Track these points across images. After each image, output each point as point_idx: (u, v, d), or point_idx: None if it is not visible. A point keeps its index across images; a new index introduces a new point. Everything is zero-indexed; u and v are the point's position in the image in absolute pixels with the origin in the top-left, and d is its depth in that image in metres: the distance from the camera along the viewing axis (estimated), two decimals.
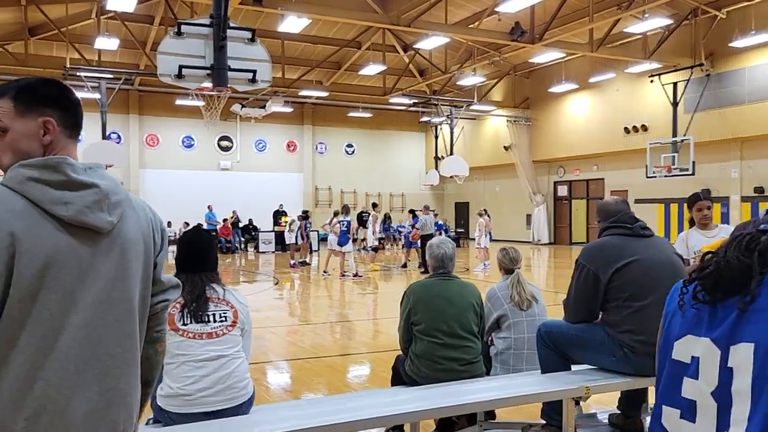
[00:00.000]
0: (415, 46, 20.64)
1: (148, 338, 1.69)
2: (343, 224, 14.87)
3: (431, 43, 18.46)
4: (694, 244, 4.72)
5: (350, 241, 15.03)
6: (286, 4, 15.32)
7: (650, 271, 3.09)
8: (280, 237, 23.51)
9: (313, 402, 3.51)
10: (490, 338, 4.18)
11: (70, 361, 1.42)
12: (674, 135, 19.44)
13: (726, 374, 1.20)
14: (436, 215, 18.41)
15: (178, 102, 23.48)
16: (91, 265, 1.47)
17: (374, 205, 19.77)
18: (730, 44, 17.85)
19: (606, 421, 3.76)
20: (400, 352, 4.04)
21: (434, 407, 2.95)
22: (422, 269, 16.22)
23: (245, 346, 3.00)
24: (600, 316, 3.22)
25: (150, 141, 26.63)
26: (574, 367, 3.37)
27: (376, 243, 18.69)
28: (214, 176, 27.56)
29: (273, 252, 23.19)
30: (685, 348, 1.29)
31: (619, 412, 3.60)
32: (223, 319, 2.90)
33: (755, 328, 1.17)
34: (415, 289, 3.88)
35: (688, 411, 1.26)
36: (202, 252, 2.99)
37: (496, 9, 16.00)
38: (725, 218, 20.04)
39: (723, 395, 1.20)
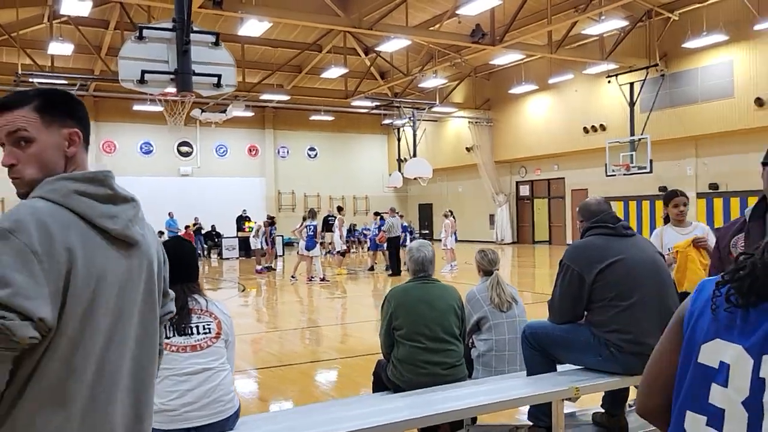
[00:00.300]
0: (377, 49, 20.67)
1: None
2: (309, 228, 14.76)
3: (392, 45, 18.50)
4: (669, 240, 4.79)
5: (317, 245, 14.94)
6: (246, 7, 15.15)
7: (634, 271, 3.12)
8: (244, 243, 23.23)
9: (300, 412, 3.44)
10: (470, 341, 4.17)
11: (114, 379, 1.43)
12: (632, 134, 19.89)
13: (758, 384, 1.15)
14: (401, 217, 18.43)
15: (136, 107, 22.99)
16: (129, 281, 1.47)
17: (339, 209, 19.67)
18: (683, 45, 18.35)
19: (588, 420, 3.78)
20: (381, 357, 4.00)
21: (426, 415, 2.92)
22: (389, 272, 16.24)
23: (230, 357, 2.93)
24: (585, 316, 3.24)
25: (107, 148, 26.02)
26: (559, 368, 3.38)
27: (344, 247, 18.59)
28: (175, 182, 27.08)
29: (237, 258, 22.89)
30: (713, 352, 1.24)
31: (603, 411, 3.63)
32: (207, 331, 2.82)
33: None
34: (395, 294, 3.85)
35: (716, 419, 1.21)
36: (185, 262, 2.90)
37: (456, 11, 16.13)
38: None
39: (755, 406, 1.15)
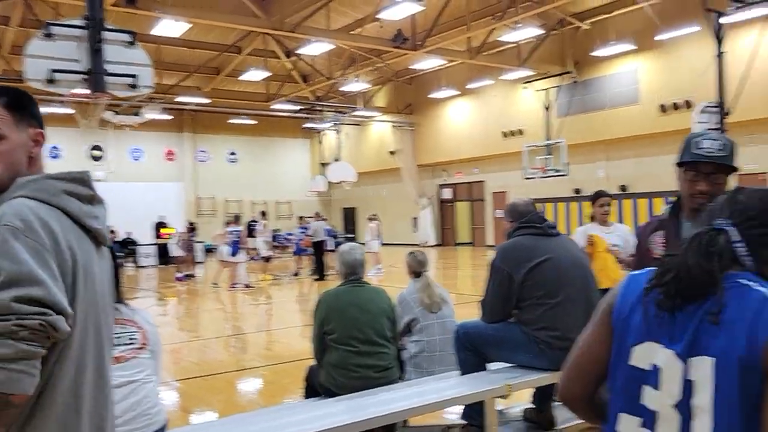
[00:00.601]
0: (298, 52, 20.49)
1: None
2: (234, 234, 14.44)
3: (314, 49, 18.39)
4: (592, 233, 5.07)
5: (241, 251, 14.63)
6: (162, 6, 14.67)
7: (561, 270, 3.21)
8: (161, 250, 22.44)
9: (231, 423, 3.32)
10: (401, 342, 4.17)
11: (89, 381, 1.41)
12: (548, 138, 20.64)
13: (687, 387, 1.19)
14: (325, 221, 18.29)
15: (43, 110, 21.66)
16: (107, 282, 1.50)
17: (263, 214, 19.36)
18: (592, 53, 19.21)
19: (518, 416, 3.86)
20: (312, 363, 3.94)
21: (363, 419, 2.88)
22: (316, 276, 16.08)
23: (156, 369, 2.78)
24: (515, 314, 3.30)
25: None
26: (489, 366, 3.44)
27: (269, 252, 18.24)
28: None
29: (154, 266, 22.06)
30: (644, 355, 1.26)
31: (533, 406, 3.71)
32: (131, 341, 2.67)
33: (718, 343, 1.16)
34: (326, 298, 3.80)
35: (650, 421, 1.24)
36: None
37: (377, 16, 16.22)
38: None
39: (686, 408, 1.19)
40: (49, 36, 7.10)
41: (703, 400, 1.16)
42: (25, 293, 1.21)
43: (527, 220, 3.34)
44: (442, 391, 3.29)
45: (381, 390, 3.46)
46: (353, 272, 3.90)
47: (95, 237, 1.45)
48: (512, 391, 3.23)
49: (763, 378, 1.12)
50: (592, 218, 5.37)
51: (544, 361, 3.18)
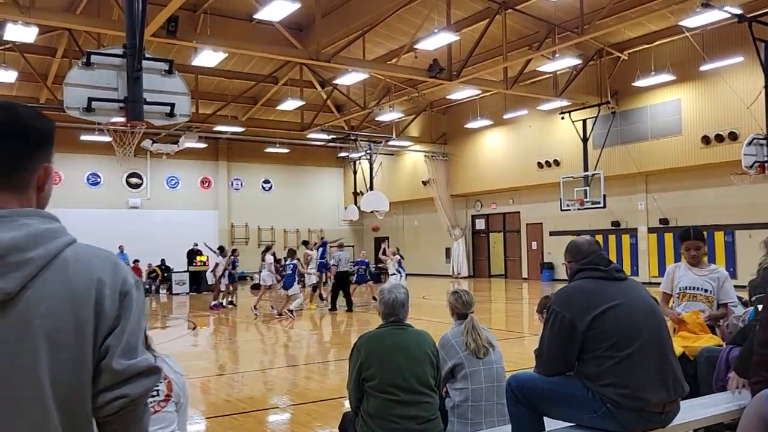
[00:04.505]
0: (334, 82, 20.56)
1: None
2: (289, 267, 14.68)
3: (350, 79, 18.42)
4: (680, 279, 4.63)
5: (295, 283, 14.64)
6: (201, 37, 14.85)
7: (631, 318, 2.88)
8: (194, 277, 22.47)
9: None
10: (444, 390, 3.88)
11: None
12: (585, 169, 20.21)
13: None
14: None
15: (83, 137, 22.17)
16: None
17: (305, 243, 19.29)
18: (632, 84, 18.85)
19: None
20: (348, 410, 3.67)
21: None
22: (330, 307, 15.69)
23: (181, 422, 2.56)
24: (576, 367, 2.97)
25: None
26: (549, 424, 3.11)
27: (315, 279, 17.90)
28: (123, 215, 26.18)
29: (188, 293, 22.05)
30: None
31: None
32: (155, 393, 2.45)
33: None
34: (366, 341, 3.54)
35: None
36: None
37: (414, 46, 16.18)
38: (634, 249, 20.93)
39: None
40: (88, 65, 7.11)
41: None
42: None
43: (590, 261, 3.02)
44: None
45: None
46: (393, 312, 3.64)
47: None
48: None
49: None
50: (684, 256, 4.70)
51: (612, 423, 2.82)
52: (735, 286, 4.68)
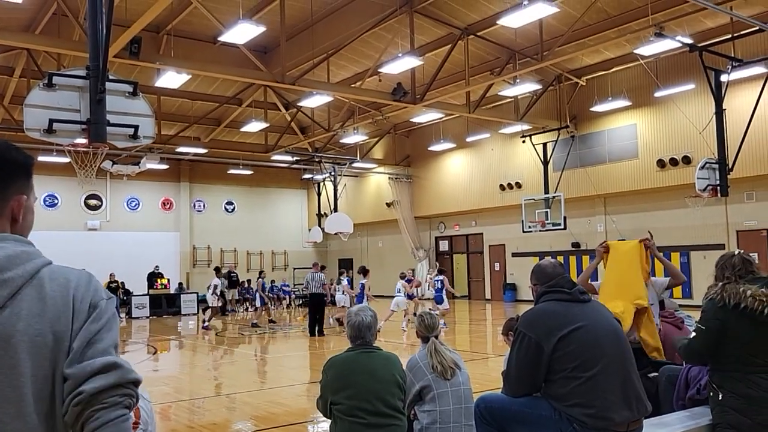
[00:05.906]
0: (298, 104, 20.61)
1: None
2: (437, 282, 16.00)
3: (314, 101, 18.47)
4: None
5: (445, 299, 15.89)
6: (164, 58, 14.75)
7: (596, 339, 2.95)
8: (155, 301, 22.04)
9: None
10: (412, 412, 3.90)
11: None
12: (546, 192, 20.60)
13: None
14: (323, 269, 17.49)
15: (41, 158, 21.67)
16: None
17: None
18: (590, 109, 19.39)
19: None
20: None
21: None
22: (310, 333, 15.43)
23: None
24: (543, 388, 3.03)
25: None
26: None
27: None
28: (81, 237, 25.59)
29: (147, 317, 21.55)
30: None
31: None
32: None
33: None
34: (332, 365, 3.55)
35: None
36: None
37: (378, 70, 16.36)
38: (594, 270, 21.29)
39: None
40: (50, 86, 7.00)
41: None
42: None
43: (555, 284, 3.10)
44: None
45: None
46: (359, 335, 3.66)
47: None
48: None
49: None
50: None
51: None
52: (689, 306, 5.11)
